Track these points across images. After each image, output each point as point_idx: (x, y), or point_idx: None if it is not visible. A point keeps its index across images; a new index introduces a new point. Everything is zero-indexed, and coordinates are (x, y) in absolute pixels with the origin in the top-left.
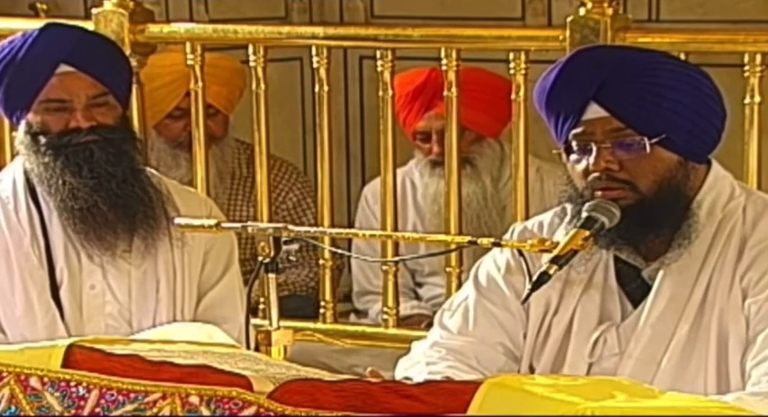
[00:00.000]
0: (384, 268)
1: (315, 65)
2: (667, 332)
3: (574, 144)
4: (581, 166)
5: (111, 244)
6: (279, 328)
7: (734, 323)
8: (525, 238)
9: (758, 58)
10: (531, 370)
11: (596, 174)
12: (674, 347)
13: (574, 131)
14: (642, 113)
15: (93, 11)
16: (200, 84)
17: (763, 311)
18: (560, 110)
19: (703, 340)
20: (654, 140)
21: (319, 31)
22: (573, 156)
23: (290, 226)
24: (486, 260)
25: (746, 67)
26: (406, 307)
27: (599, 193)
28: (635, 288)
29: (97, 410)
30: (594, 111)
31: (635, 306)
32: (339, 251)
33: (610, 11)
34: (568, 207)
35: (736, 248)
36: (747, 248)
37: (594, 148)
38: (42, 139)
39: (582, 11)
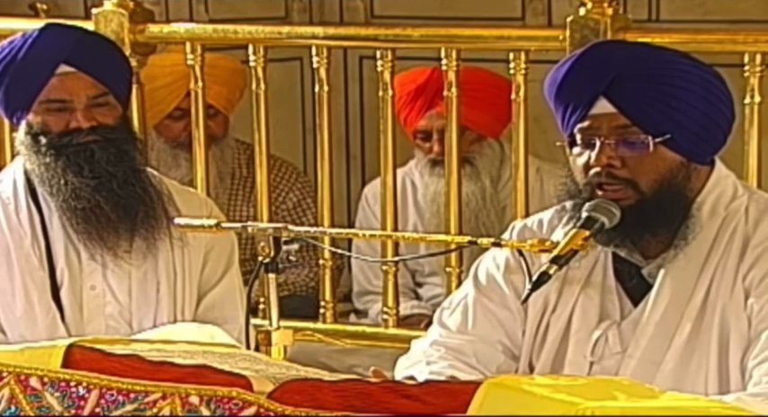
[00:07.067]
0: (384, 268)
1: (315, 65)
2: (669, 331)
3: (578, 137)
4: (582, 160)
5: (113, 244)
6: (279, 328)
7: (736, 321)
8: (524, 236)
9: (758, 58)
10: (531, 368)
11: (597, 170)
12: (676, 346)
13: (580, 125)
14: (650, 112)
15: (93, 11)
16: (200, 84)
17: (766, 310)
18: (569, 102)
19: (705, 339)
20: (658, 140)
21: (319, 31)
22: (576, 150)
23: (290, 226)
24: (486, 258)
25: (746, 67)
26: (406, 307)
27: (600, 193)
28: (634, 286)
29: (97, 410)
30: (602, 107)
31: (635, 304)
32: (339, 251)
33: (610, 11)
34: (568, 205)
35: (738, 247)
36: (750, 247)
37: (598, 143)
38: (43, 140)
39: (582, 11)
